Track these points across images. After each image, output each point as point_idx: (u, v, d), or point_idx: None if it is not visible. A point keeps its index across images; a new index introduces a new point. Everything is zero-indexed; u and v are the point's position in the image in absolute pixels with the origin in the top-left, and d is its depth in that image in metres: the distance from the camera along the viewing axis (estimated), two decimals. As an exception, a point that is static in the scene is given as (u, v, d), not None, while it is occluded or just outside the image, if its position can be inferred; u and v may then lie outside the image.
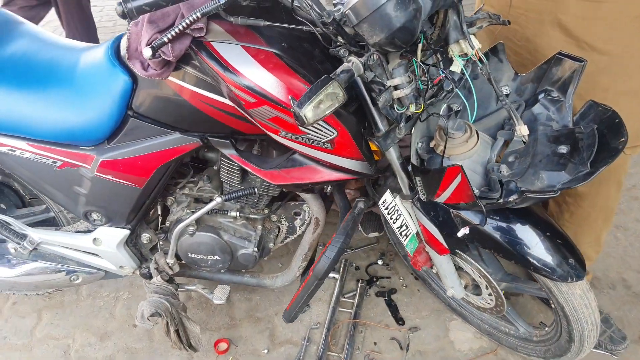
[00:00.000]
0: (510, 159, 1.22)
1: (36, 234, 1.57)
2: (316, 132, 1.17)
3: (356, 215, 1.40)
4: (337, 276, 2.08)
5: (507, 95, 1.30)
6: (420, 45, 1.08)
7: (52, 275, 1.59)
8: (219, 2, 1.01)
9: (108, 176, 1.40)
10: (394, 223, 1.43)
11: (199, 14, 1.02)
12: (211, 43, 1.16)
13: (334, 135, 1.18)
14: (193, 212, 1.51)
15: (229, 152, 1.35)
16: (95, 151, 1.39)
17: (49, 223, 1.70)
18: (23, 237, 1.57)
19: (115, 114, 1.33)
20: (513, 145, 1.24)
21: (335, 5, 1.19)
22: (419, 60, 1.09)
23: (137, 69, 1.21)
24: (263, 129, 1.21)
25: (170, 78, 1.24)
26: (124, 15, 1.03)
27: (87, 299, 2.04)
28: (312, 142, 1.20)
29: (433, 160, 1.28)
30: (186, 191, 1.57)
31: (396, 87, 1.10)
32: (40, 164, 1.42)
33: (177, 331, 1.55)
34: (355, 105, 1.26)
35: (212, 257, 1.55)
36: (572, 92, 1.19)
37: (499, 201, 1.12)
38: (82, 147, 1.39)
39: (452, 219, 1.31)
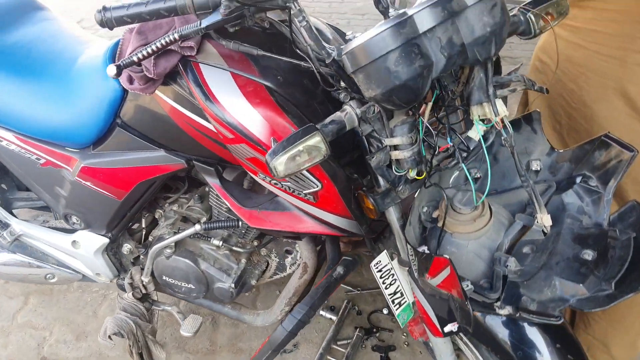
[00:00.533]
0: (525, 250, 1.01)
1: (18, 226, 1.51)
2: (297, 182, 1.02)
3: (332, 282, 1.23)
4: (334, 318, 1.91)
5: (537, 172, 1.09)
6: (429, 105, 0.90)
7: (28, 269, 1.53)
8: (199, 25, 0.88)
9: (88, 183, 1.31)
10: (386, 288, 1.25)
11: (176, 36, 0.89)
12: (199, 65, 1.03)
13: (318, 188, 1.02)
14: (175, 233, 1.40)
15: (212, 181, 1.22)
16: (79, 155, 1.30)
17: (48, 210, 1.64)
18: (5, 226, 1.52)
19: (102, 120, 1.23)
20: (531, 235, 1.04)
21: (345, 40, 1.03)
22: (425, 120, 0.91)
23: (122, 80, 1.10)
24: (242, 166, 1.07)
25: (157, 92, 1.13)
26: (102, 24, 0.92)
27: (77, 291, 1.99)
28: (293, 191, 1.05)
29: (434, 232, 1.10)
30: (175, 207, 1.45)
31: (396, 147, 0.93)
32: (25, 159, 1.35)
33: (140, 354, 1.45)
34: (354, 154, 1.10)
35: (187, 284, 1.43)
36: (614, 185, 0.98)
37: (495, 304, 0.92)
38: (67, 148, 1.31)
39: (448, 303, 1.12)
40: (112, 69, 0.89)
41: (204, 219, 1.38)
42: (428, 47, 0.79)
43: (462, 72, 0.94)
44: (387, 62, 0.78)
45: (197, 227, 1.31)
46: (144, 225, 1.49)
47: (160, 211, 1.48)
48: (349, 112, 0.90)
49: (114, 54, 1.20)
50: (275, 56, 0.98)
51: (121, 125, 1.23)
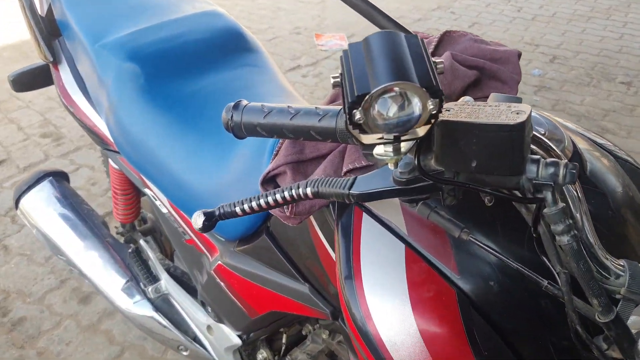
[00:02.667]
0: None
1: (167, 285, 1.34)
2: None
3: None
4: None
5: None
6: None
7: (164, 331, 1.36)
8: (346, 186, 0.47)
9: (222, 283, 1.03)
10: None
11: (308, 191, 0.50)
12: (363, 214, 0.61)
13: None
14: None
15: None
16: (222, 246, 1.02)
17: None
18: (155, 280, 1.36)
19: (250, 219, 0.92)
20: None
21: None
22: None
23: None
24: None
25: (312, 218, 0.76)
26: (228, 128, 0.58)
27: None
28: None
29: None
30: (325, 335, 1.09)
31: None
32: (173, 227, 1.14)
33: None
34: None
35: None
36: None
37: None
38: (216, 235, 1.05)
39: None
40: (198, 219, 0.54)
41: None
42: None
43: None
44: None
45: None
46: (284, 341, 1.16)
47: (310, 328, 1.12)
48: None
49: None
50: (497, 253, 0.50)
51: (268, 234, 0.90)
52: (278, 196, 0.51)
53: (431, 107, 0.38)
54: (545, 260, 0.48)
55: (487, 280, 0.55)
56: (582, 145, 0.67)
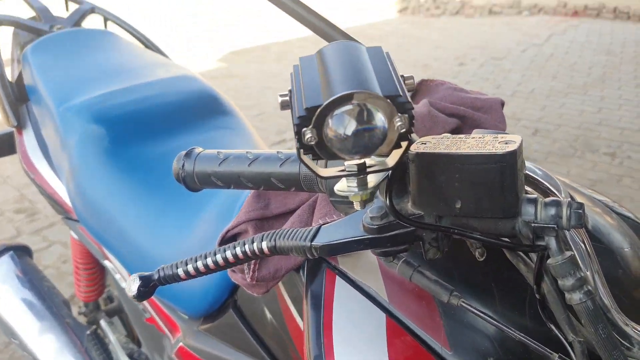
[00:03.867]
0: None
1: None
2: None
3: None
4: None
5: None
6: None
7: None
8: (307, 237, 0.38)
9: (185, 368, 0.90)
10: None
11: (264, 246, 0.41)
12: (337, 277, 0.53)
13: None
14: None
15: None
16: (185, 325, 0.91)
17: None
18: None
19: (215, 290, 0.82)
20: None
21: None
22: None
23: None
24: None
25: (280, 285, 0.66)
26: (179, 179, 0.51)
27: None
28: None
29: None
30: None
31: None
32: (133, 304, 1.03)
33: None
34: None
35: None
36: None
37: None
38: (176, 310, 0.94)
39: None
40: (132, 285, 0.45)
41: None
42: None
43: None
44: None
45: None
46: None
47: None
48: None
49: None
50: (494, 322, 0.41)
51: (235, 309, 0.80)
52: (228, 253, 0.42)
53: (399, 124, 0.30)
54: (553, 327, 0.39)
55: (485, 356, 0.45)
56: (580, 199, 0.60)
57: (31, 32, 1.35)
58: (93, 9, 1.47)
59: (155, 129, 1.07)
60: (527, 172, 0.44)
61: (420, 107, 0.59)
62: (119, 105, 1.06)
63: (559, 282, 0.35)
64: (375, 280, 0.51)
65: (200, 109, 1.12)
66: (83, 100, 1.07)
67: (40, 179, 1.15)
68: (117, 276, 1.05)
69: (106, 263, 1.08)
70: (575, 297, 0.35)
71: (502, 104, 0.65)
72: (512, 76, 4.74)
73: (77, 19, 1.43)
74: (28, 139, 1.19)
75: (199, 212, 0.89)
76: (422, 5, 8.16)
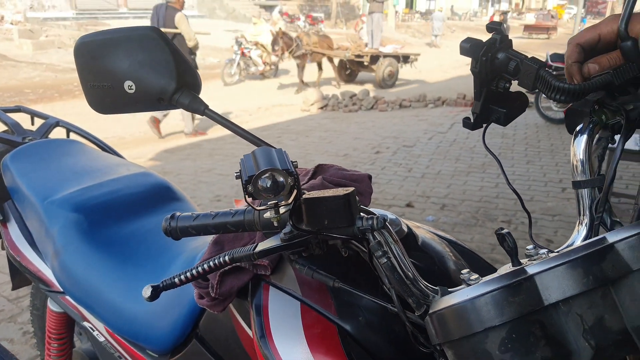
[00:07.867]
0: None
1: None
2: None
3: None
4: None
5: None
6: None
7: None
8: (252, 249, 0.71)
9: (157, 404, 1.14)
10: None
11: (227, 258, 0.73)
12: (270, 288, 0.84)
13: None
14: None
15: None
16: (156, 365, 1.16)
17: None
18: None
19: (180, 326, 1.09)
20: None
21: (460, 278, 0.76)
22: None
23: (195, 292, 0.96)
24: None
25: (231, 305, 0.96)
26: (167, 233, 0.81)
27: None
28: None
29: None
30: None
31: None
32: (109, 354, 1.26)
33: None
34: None
35: None
36: None
37: None
38: (147, 351, 1.18)
39: None
40: (147, 291, 0.74)
41: None
42: (560, 328, 0.48)
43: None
44: (488, 344, 0.49)
45: None
46: None
47: None
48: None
49: None
50: (354, 291, 0.74)
51: (199, 339, 1.07)
52: (206, 266, 0.73)
53: (291, 182, 0.64)
54: (385, 286, 0.71)
55: (356, 316, 0.77)
56: (419, 232, 0.96)
57: (6, 143, 1.63)
58: (58, 123, 1.78)
59: (123, 214, 1.36)
60: (364, 207, 0.79)
61: (316, 181, 0.95)
62: (94, 197, 1.35)
63: (374, 255, 0.69)
64: (293, 283, 0.83)
65: (158, 197, 1.43)
66: (64, 195, 1.35)
67: (25, 260, 1.39)
68: (95, 333, 1.28)
69: (85, 324, 1.30)
70: (382, 261, 0.68)
71: (370, 177, 1.02)
72: (421, 160, 5.37)
73: (44, 131, 1.73)
74: (13, 230, 1.43)
75: (166, 271, 1.17)
76: (340, 102, 9.00)
